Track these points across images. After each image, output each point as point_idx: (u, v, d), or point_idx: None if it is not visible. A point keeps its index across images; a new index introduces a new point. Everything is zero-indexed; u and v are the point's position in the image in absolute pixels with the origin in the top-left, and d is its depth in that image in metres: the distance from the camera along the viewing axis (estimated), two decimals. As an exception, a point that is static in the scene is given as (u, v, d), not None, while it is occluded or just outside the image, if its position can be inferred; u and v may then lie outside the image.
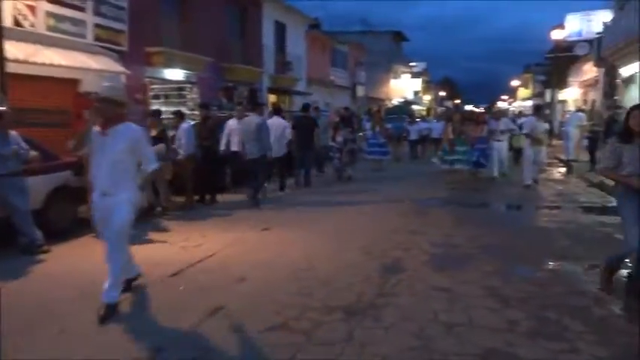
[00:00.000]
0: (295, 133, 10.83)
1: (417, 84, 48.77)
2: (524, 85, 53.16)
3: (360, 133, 15.22)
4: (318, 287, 4.56)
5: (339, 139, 12.26)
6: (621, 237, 6.29)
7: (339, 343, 3.44)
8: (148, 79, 13.83)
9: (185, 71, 15.18)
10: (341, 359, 3.24)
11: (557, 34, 22.82)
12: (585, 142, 13.80)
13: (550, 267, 5.21)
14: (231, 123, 9.29)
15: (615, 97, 16.22)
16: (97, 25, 11.84)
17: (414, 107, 37.03)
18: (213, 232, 6.74)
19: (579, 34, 20.30)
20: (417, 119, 21.79)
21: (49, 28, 10.46)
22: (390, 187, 10.95)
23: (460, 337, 3.55)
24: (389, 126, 18.90)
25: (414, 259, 5.46)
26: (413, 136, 18.21)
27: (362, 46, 35.90)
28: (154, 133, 7.69)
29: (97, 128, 3.94)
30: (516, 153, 14.09)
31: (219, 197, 9.25)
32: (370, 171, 13.54)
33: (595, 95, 19.60)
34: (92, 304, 3.92)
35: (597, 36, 18.50)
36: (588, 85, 21.59)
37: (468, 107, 44.96)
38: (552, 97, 27.67)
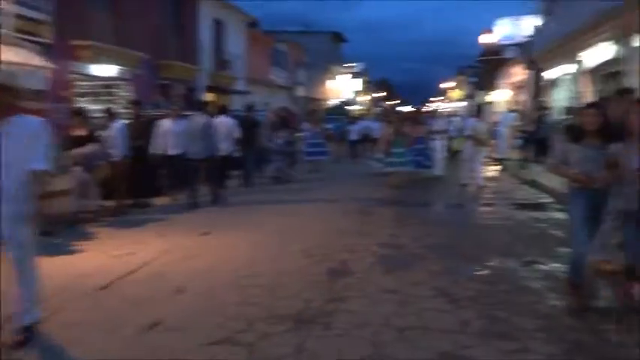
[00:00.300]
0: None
1: (357, 84, 49.38)
2: (458, 87, 55.17)
3: (299, 134, 15.04)
4: (263, 295, 4.32)
5: (279, 140, 12.04)
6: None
7: (290, 356, 3.23)
8: (74, 75, 12.95)
9: (117, 67, 14.35)
10: (291, 373, 3.04)
11: (486, 38, 23.75)
12: (518, 142, 14.36)
13: (494, 264, 5.25)
14: (166, 123, 8.80)
15: (542, 99, 17.03)
16: (18, 16, 10.91)
17: (353, 108, 37.40)
18: (149, 239, 6.30)
19: (509, 37, 21.19)
20: (356, 118, 21.91)
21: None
22: (332, 188, 10.86)
23: (413, 342, 3.44)
24: (329, 126, 18.92)
25: (361, 261, 5.34)
26: (353, 136, 18.27)
27: (301, 46, 35.83)
28: (81, 132, 7.15)
29: None
30: (453, 154, 14.46)
31: (155, 201, 8.76)
32: (310, 172, 13.39)
33: (524, 96, 20.54)
34: None
35: (526, 40, 19.37)
36: (518, 87, 22.61)
37: (404, 108, 46.04)
38: (484, 99, 28.81)
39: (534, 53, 17.94)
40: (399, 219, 7.64)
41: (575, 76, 14.22)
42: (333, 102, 39.36)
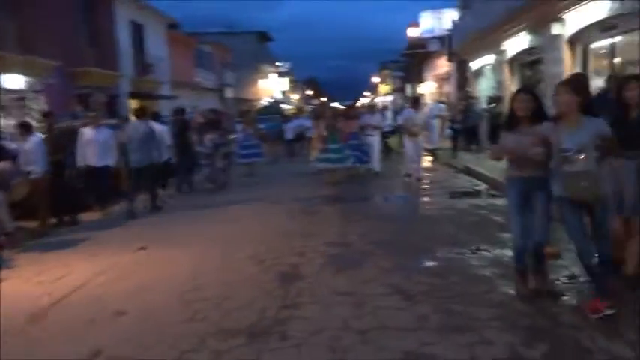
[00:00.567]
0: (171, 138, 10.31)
1: (284, 83, 49.19)
2: (384, 81, 56.39)
3: (232, 137, 14.56)
4: (211, 309, 4.07)
5: (208, 143, 11.47)
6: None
7: (247, 374, 3.03)
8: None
9: (26, 78, 13.25)
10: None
11: (412, 32, 24.45)
12: (448, 132, 14.81)
13: (442, 255, 5.28)
14: (87, 132, 8.22)
15: (467, 89, 17.69)
16: None
17: (284, 106, 37.19)
18: (79, 260, 5.81)
19: (431, 31, 21.89)
20: (290, 117, 21.72)
21: None
22: (272, 190, 10.62)
23: (375, 343, 3.35)
24: (262, 126, 18.56)
25: (311, 263, 5.20)
26: (289, 135, 18.06)
27: (226, 47, 35.14)
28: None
29: None
30: (389, 150, 14.69)
31: (85, 217, 8.16)
32: (245, 175, 13.05)
33: (449, 88, 21.30)
34: None
35: (447, 33, 20.07)
36: (442, 79, 23.43)
37: (334, 104, 46.42)
38: (413, 91, 29.65)
39: (455, 46, 18.60)
40: (344, 216, 7.57)
41: (496, 66, 14.89)
42: (265, 101, 38.92)
